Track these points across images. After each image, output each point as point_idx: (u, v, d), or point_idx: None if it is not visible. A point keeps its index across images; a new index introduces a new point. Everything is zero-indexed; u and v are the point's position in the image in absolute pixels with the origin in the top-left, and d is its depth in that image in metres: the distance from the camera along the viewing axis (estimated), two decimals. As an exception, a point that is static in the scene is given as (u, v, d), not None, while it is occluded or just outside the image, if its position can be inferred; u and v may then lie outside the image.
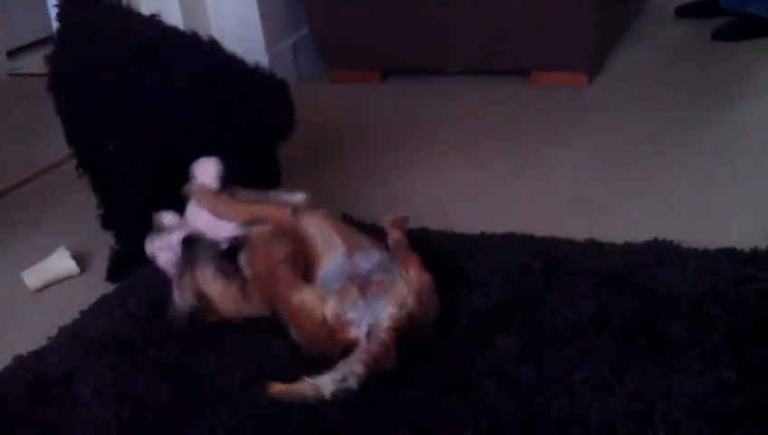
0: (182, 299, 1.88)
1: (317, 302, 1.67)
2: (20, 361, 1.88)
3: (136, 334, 1.91)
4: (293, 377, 1.69)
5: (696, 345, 1.64)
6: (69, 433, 1.65)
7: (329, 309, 1.65)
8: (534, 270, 1.96)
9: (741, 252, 1.93)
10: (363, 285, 1.67)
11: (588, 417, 1.51)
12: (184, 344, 1.86)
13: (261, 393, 1.66)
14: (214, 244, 1.93)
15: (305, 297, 1.69)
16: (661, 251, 1.97)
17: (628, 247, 2.01)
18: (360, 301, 1.65)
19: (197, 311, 1.89)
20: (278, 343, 1.80)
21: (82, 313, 2.04)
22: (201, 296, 1.88)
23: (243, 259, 1.84)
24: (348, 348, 1.65)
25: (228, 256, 1.89)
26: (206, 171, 2.00)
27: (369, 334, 1.63)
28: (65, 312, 2.04)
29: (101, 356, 1.85)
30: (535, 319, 1.79)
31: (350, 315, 1.65)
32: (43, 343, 1.94)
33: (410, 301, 1.66)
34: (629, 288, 1.84)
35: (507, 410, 1.56)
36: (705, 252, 1.95)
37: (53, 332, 1.97)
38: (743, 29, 3.38)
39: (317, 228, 1.85)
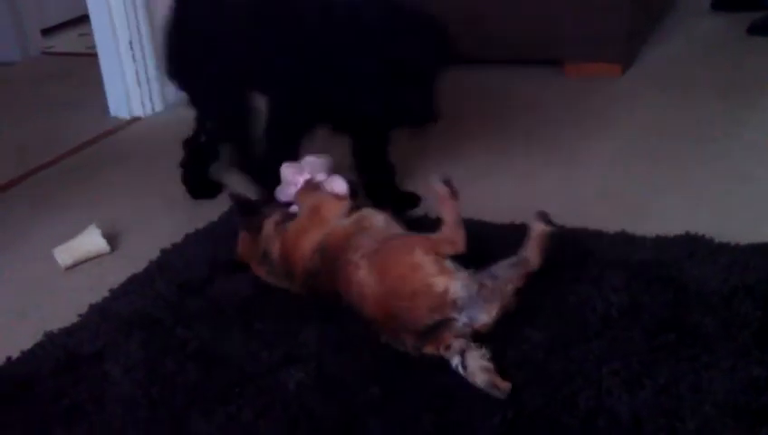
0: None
1: (440, 272, 1.69)
2: (50, 337, 1.90)
3: (165, 314, 1.93)
4: (320, 363, 1.70)
5: (727, 341, 1.63)
6: (98, 410, 1.66)
7: (454, 287, 1.67)
8: (564, 261, 1.95)
9: (773, 247, 1.91)
10: (483, 284, 1.71)
11: (616, 410, 1.50)
12: (212, 325, 1.87)
13: (288, 377, 1.67)
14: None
15: (426, 261, 1.70)
16: (692, 245, 1.96)
17: (658, 241, 2.00)
18: (474, 295, 1.68)
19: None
20: (307, 328, 1.81)
21: (112, 291, 2.05)
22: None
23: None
24: (433, 324, 1.66)
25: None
26: (338, 186, 2.04)
27: (464, 326, 1.67)
28: (95, 290, 2.06)
29: (131, 334, 1.86)
30: (565, 310, 1.79)
31: (464, 304, 1.67)
32: (74, 319, 1.96)
33: (495, 317, 1.71)
34: (660, 282, 1.83)
35: (535, 400, 1.55)
36: (737, 247, 1.94)
37: (84, 309, 1.99)
38: (779, 23, 3.35)
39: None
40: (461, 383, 1.61)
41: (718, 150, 2.47)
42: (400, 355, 1.70)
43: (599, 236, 2.05)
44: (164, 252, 2.19)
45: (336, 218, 1.90)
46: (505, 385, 1.57)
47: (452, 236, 1.75)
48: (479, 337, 1.68)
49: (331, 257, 1.82)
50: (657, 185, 2.33)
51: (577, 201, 2.28)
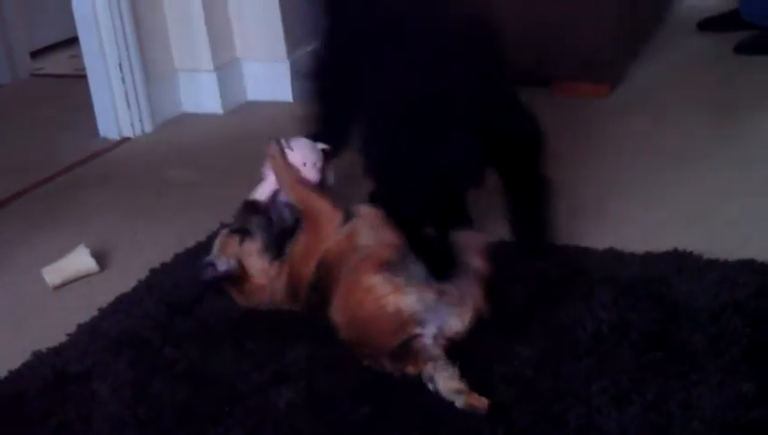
0: (221, 258, 1.92)
1: (392, 291, 1.65)
2: (39, 356, 1.89)
3: (154, 334, 1.92)
4: (310, 383, 1.70)
5: (716, 357, 1.64)
6: (86, 430, 1.65)
7: (406, 302, 1.64)
8: (553, 278, 1.95)
9: (761, 264, 1.92)
10: (441, 290, 1.67)
11: (606, 427, 1.50)
12: (201, 345, 1.86)
13: (278, 396, 1.67)
14: (272, 221, 1.97)
15: (377, 282, 1.67)
16: (681, 262, 1.97)
17: (647, 257, 2.01)
18: (433, 305, 1.65)
19: (228, 281, 1.93)
20: (296, 347, 1.81)
21: (101, 310, 2.04)
22: (239, 266, 1.91)
23: (289, 247, 1.90)
24: (400, 345, 1.64)
25: (280, 238, 1.93)
26: (304, 153, 2.02)
27: (434, 338, 1.64)
28: (84, 309, 2.05)
29: (120, 354, 1.85)
30: (554, 327, 1.79)
31: (423, 316, 1.64)
32: (62, 339, 1.95)
33: (469, 323, 1.69)
34: (649, 298, 1.84)
35: (525, 418, 1.55)
36: (725, 263, 1.94)
37: (72, 329, 1.98)
38: (765, 43, 3.37)
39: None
40: (450, 402, 1.60)
41: (705, 168, 2.49)
42: (387, 376, 1.69)
43: (587, 253, 2.05)
44: (153, 271, 2.19)
45: (335, 231, 1.85)
46: (482, 403, 1.55)
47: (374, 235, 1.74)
48: (461, 351, 1.67)
49: (325, 276, 1.81)
50: (646, 202, 2.33)
51: (565, 218, 2.28)
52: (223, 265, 1.92)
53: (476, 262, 1.80)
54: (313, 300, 1.84)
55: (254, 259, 1.92)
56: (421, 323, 1.63)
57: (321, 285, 1.81)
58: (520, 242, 2.07)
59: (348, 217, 1.86)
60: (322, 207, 1.90)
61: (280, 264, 1.91)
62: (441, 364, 1.62)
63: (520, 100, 2.03)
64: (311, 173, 2.02)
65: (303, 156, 2.03)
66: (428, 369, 1.63)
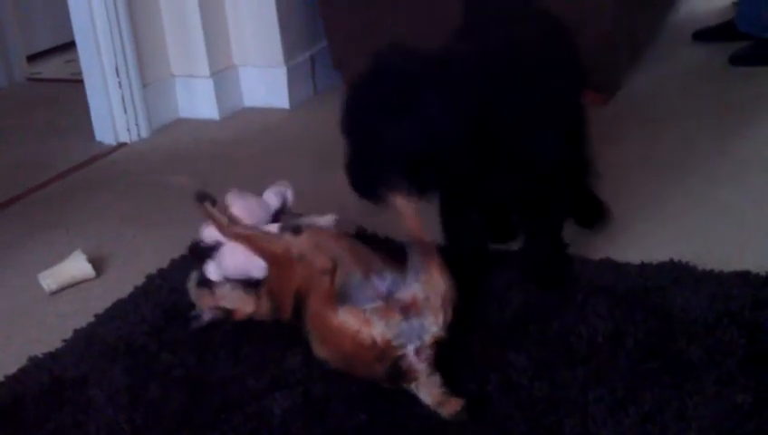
0: (203, 310, 1.93)
1: (361, 324, 1.63)
2: (35, 362, 1.88)
3: (150, 340, 1.92)
4: (307, 389, 1.70)
5: (711, 368, 1.64)
6: (82, 434, 1.65)
7: (377, 332, 1.61)
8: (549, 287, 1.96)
9: (756, 276, 1.93)
10: (404, 307, 1.64)
11: (601, 436, 1.51)
12: (198, 352, 1.86)
13: (274, 403, 1.67)
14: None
15: (345, 318, 1.65)
16: (677, 273, 1.97)
17: (643, 268, 2.01)
18: (403, 324, 1.62)
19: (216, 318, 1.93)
20: (293, 354, 1.81)
21: (97, 316, 2.04)
22: (220, 308, 1.92)
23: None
24: (388, 369, 1.64)
25: None
26: (246, 207, 2.01)
27: (417, 353, 1.63)
28: (80, 315, 2.05)
29: (116, 360, 1.85)
30: (549, 336, 1.79)
31: (398, 341, 1.62)
32: (58, 344, 1.95)
33: (447, 311, 1.66)
34: (644, 309, 1.84)
35: (520, 427, 1.56)
36: (721, 275, 1.95)
37: (68, 334, 1.98)
38: (760, 54, 3.39)
39: (319, 249, 1.82)
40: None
41: (701, 179, 2.49)
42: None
43: (583, 262, 2.06)
44: (149, 277, 2.19)
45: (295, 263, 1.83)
46: (457, 405, 1.57)
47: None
48: (455, 359, 1.68)
49: (302, 307, 1.79)
50: (641, 213, 2.34)
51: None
52: (207, 315, 1.93)
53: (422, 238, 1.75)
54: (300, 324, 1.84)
55: (231, 298, 1.92)
56: (399, 345, 1.62)
57: (302, 316, 1.80)
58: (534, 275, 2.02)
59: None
60: (272, 249, 1.89)
61: (256, 291, 1.91)
62: (422, 380, 1.62)
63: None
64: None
65: (248, 212, 2.01)
66: (413, 387, 1.63)
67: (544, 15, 2.06)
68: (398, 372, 1.63)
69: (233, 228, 1.95)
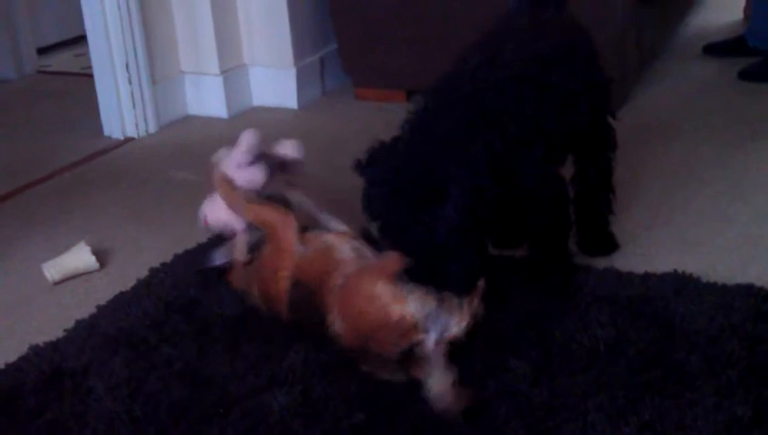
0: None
1: (395, 299, 1.65)
2: (36, 351, 1.89)
3: (151, 333, 1.92)
4: (306, 387, 1.70)
5: (712, 380, 1.64)
6: (81, 426, 1.65)
7: (409, 310, 1.64)
8: (551, 294, 1.96)
9: (759, 289, 1.93)
10: (439, 298, 1.67)
11: (600, 443, 1.51)
12: (198, 345, 1.87)
13: (272, 400, 1.67)
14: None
15: (382, 290, 1.67)
16: (679, 284, 1.97)
17: (646, 278, 2.01)
18: (434, 311, 1.65)
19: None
20: (292, 352, 1.81)
21: (99, 308, 2.05)
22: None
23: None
24: (404, 351, 1.66)
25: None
26: (234, 161, 2.05)
27: (436, 343, 1.64)
28: (82, 306, 2.06)
29: (117, 352, 1.86)
30: (550, 343, 1.79)
31: (424, 325, 1.64)
32: (60, 334, 1.95)
33: (471, 317, 1.68)
34: (646, 318, 1.85)
35: (518, 432, 1.56)
36: (724, 287, 1.95)
37: (70, 325, 1.99)
38: (770, 70, 3.39)
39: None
40: (442, 415, 1.61)
41: (705, 193, 2.49)
42: (383, 383, 1.70)
43: (587, 270, 2.06)
44: (152, 271, 2.19)
45: (294, 245, 1.87)
46: (465, 399, 1.59)
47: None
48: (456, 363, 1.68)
49: (307, 292, 1.80)
50: (646, 224, 2.34)
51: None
52: (220, 259, 2.04)
53: None
54: (296, 317, 1.85)
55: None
56: (424, 329, 1.64)
57: (305, 306, 1.81)
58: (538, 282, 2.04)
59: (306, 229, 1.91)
60: (275, 217, 1.93)
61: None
62: (435, 372, 1.63)
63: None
64: (253, 174, 2.06)
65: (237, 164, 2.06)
66: (423, 377, 1.64)
67: (572, 26, 2.10)
68: (411, 357, 1.65)
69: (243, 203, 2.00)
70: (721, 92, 3.33)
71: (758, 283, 1.95)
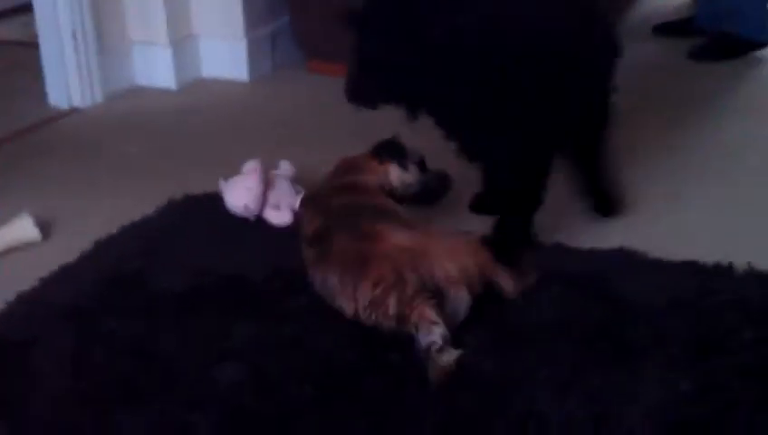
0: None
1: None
2: (-24, 324, 1.85)
3: (96, 306, 1.89)
4: (255, 363, 1.69)
5: (657, 354, 1.66)
6: (26, 400, 1.62)
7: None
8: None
9: (704, 265, 1.96)
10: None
11: (546, 414, 1.52)
12: (144, 319, 1.84)
13: (220, 373, 1.66)
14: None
15: (401, 239, 1.81)
16: (626, 259, 2.00)
17: (593, 253, 2.03)
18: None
19: None
20: (239, 326, 1.80)
21: (43, 280, 2.01)
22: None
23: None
24: None
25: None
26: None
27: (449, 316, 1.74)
28: (25, 278, 2.01)
29: (60, 325, 1.82)
30: (498, 319, 1.80)
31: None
32: (1, 307, 1.91)
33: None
34: (593, 294, 1.86)
35: (466, 404, 1.57)
36: (670, 263, 1.98)
37: (11, 297, 1.94)
38: (718, 48, 3.43)
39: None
40: (395, 386, 1.61)
41: (656, 172, 2.52)
42: (332, 358, 1.69)
43: (536, 247, 2.06)
44: (97, 243, 2.16)
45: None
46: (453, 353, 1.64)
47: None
48: (406, 339, 1.68)
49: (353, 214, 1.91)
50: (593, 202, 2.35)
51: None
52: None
53: None
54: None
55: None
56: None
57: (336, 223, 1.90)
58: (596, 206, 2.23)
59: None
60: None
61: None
62: (428, 323, 1.67)
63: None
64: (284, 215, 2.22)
65: (278, 198, 2.24)
66: (413, 328, 1.68)
67: None
68: (424, 299, 1.70)
69: None
70: (672, 72, 3.37)
71: (702, 259, 1.97)
